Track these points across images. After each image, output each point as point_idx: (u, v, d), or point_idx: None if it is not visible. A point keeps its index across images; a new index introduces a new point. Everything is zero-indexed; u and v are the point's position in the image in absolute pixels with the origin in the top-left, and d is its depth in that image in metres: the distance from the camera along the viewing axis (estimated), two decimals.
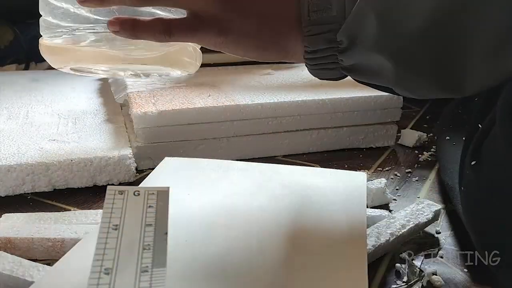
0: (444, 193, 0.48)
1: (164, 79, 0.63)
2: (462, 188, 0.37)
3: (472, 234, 0.35)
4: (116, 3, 0.38)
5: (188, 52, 0.44)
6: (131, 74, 0.50)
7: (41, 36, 0.51)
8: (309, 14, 0.36)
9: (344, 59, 0.37)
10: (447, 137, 0.55)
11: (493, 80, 0.31)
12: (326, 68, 0.39)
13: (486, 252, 0.34)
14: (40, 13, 0.47)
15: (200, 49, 0.46)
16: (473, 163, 0.35)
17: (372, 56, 0.35)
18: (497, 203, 0.32)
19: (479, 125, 0.36)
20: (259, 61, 0.41)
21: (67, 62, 0.46)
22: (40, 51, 0.48)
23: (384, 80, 0.36)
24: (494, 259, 0.33)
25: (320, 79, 0.41)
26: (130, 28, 0.38)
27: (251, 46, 0.39)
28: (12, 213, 0.40)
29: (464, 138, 0.42)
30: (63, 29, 0.46)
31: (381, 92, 0.58)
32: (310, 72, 0.40)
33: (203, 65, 0.73)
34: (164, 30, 0.38)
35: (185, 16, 0.39)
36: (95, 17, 0.42)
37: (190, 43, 0.44)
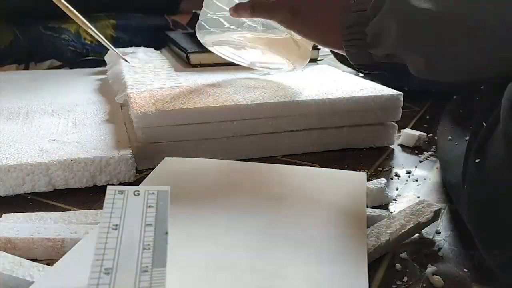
0: (444, 193, 0.48)
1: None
2: (465, 186, 0.37)
3: (474, 232, 0.35)
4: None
5: (293, 46, 0.59)
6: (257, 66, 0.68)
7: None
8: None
9: (368, 32, 0.44)
10: (449, 137, 0.55)
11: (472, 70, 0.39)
12: (357, 45, 0.46)
13: (488, 250, 0.34)
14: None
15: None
16: (477, 161, 0.35)
17: (386, 22, 0.42)
18: (500, 201, 0.32)
19: (484, 123, 0.36)
20: (317, 44, 0.53)
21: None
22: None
23: (395, 48, 0.43)
24: (496, 257, 0.33)
25: (356, 66, 0.49)
26: (236, 10, 0.54)
27: (314, 29, 0.50)
28: (12, 213, 0.40)
29: (467, 138, 0.42)
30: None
31: (381, 92, 0.59)
32: (347, 55, 0.48)
33: (203, 65, 0.73)
34: (251, 7, 0.52)
35: None
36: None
37: (297, 39, 0.58)
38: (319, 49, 0.81)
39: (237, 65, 0.74)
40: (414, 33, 0.40)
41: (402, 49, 0.42)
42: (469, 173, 0.36)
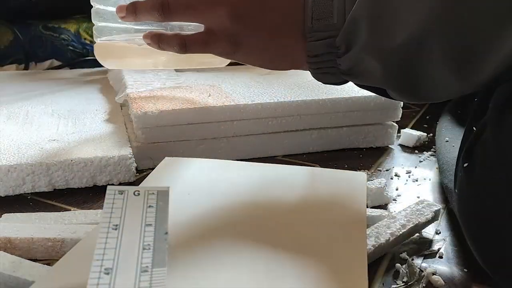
0: (444, 193, 0.48)
1: (166, 79, 0.63)
2: (456, 190, 0.37)
3: (467, 236, 0.35)
4: (146, 19, 0.45)
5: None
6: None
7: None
8: (312, 22, 0.40)
9: (342, 63, 0.40)
10: (446, 139, 0.55)
11: (457, 92, 0.36)
12: (327, 72, 0.41)
13: (481, 254, 0.34)
14: (93, 21, 0.56)
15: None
16: (465, 165, 0.35)
17: (365, 58, 0.37)
18: (488, 205, 0.33)
19: (474, 128, 0.36)
20: (276, 69, 0.45)
21: (117, 64, 0.59)
22: (94, 52, 0.59)
23: (376, 81, 0.39)
24: (489, 260, 0.33)
25: (324, 83, 0.44)
26: (156, 41, 0.45)
27: (261, 58, 0.44)
28: (12, 213, 0.40)
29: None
30: (113, 34, 0.56)
31: None
32: (314, 77, 0.43)
33: None
34: (180, 45, 0.43)
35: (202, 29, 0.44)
36: (135, 27, 0.53)
37: None
38: None
39: (237, 65, 0.74)
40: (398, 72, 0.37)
41: (387, 85, 0.39)
42: (459, 177, 0.36)
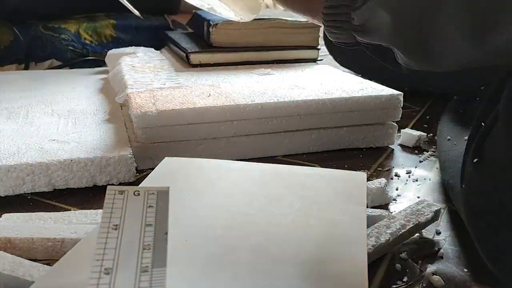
0: (444, 193, 0.48)
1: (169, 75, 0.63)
2: (463, 186, 0.37)
3: (472, 232, 0.35)
4: None
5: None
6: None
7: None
8: None
9: (356, 17, 0.39)
10: (448, 137, 0.55)
11: (469, 60, 0.34)
12: (340, 26, 0.41)
13: (486, 251, 0.34)
14: None
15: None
16: (475, 160, 0.35)
17: (378, 12, 0.37)
18: (497, 201, 0.32)
19: (482, 124, 0.36)
20: (289, 9, 0.46)
21: None
22: None
23: (386, 38, 0.39)
24: (494, 258, 0.33)
25: (334, 41, 0.44)
26: None
27: (294, 2, 0.45)
28: (12, 213, 0.40)
29: (466, 138, 0.42)
30: None
31: (381, 92, 0.59)
32: (326, 32, 0.43)
33: (203, 65, 0.73)
34: None
35: None
36: None
37: None
38: (318, 49, 0.80)
39: (237, 65, 0.74)
40: (410, 29, 0.36)
41: (396, 43, 0.39)
42: (467, 173, 0.36)
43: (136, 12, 0.78)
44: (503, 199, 0.32)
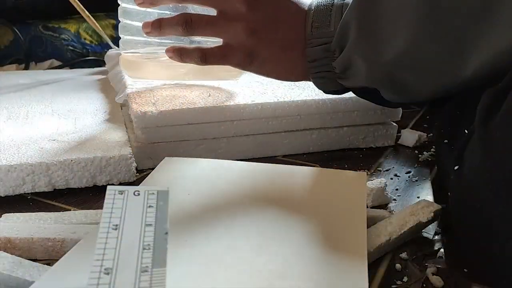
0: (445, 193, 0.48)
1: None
2: (449, 193, 0.37)
3: (461, 238, 0.36)
4: (169, 34, 0.49)
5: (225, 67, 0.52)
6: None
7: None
8: (312, 30, 0.44)
9: (336, 66, 0.43)
10: (445, 141, 0.55)
11: (442, 88, 0.40)
12: (325, 77, 0.46)
13: (474, 257, 0.34)
14: (120, 34, 0.59)
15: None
16: (456, 168, 0.35)
17: (353, 59, 0.41)
18: (476, 207, 0.33)
19: (466, 131, 0.36)
20: (277, 79, 0.51)
21: (140, 75, 0.61)
22: (120, 63, 0.64)
23: (364, 80, 0.43)
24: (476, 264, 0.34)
25: (325, 92, 0.49)
26: (179, 54, 0.49)
27: (273, 70, 0.48)
28: (12, 213, 0.39)
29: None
30: (138, 47, 0.59)
31: None
32: (315, 85, 0.48)
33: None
34: (201, 57, 0.48)
35: (220, 43, 0.48)
36: (158, 41, 0.57)
37: None
38: None
39: None
40: (383, 73, 0.41)
41: (373, 84, 0.43)
42: (451, 180, 0.36)
43: (109, 42, 0.80)
44: (480, 205, 0.32)
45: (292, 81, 0.50)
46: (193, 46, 0.50)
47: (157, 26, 0.48)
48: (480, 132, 0.32)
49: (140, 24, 0.51)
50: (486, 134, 0.32)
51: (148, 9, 0.54)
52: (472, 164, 0.34)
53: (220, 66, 0.50)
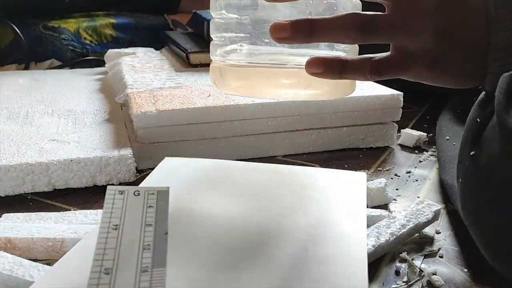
0: (444, 193, 0.48)
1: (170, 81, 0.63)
2: (460, 180, 0.36)
3: (470, 226, 0.35)
4: (329, 41, 0.37)
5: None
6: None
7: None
8: (496, 11, 0.35)
9: None
10: (447, 137, 0.55)
11: None
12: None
13: (485, 245, 0.34)
14: (212, 35, 0.41)
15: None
16: (472, 153, 0.35)
17: None
18: (495, 193, 0.32)
19: (478, 119, 0.36)
20: (456, 88, 0.40)
21: (238, 84, 0.42)
22: (211, 74, 0.42)
23: None
24: (493, 250, 0.33)
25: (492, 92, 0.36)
26: (340, 69, 0.36)
27: (452, 75, 0.38)
28: (12, 213, 0.40)
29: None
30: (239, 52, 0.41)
31: (381, 92, 0.59)
32: (489, 84, 0.37)
33: (203, 65, 0.73)
34: (374, 70, 0.37)
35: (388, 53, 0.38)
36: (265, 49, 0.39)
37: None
38: None
39: None
40: None
41: None
42: (464, 166, 0.36)
43: None
44: (501, 190, 0.32)
45: (464, 87, 0.40)
46: (359, 57, 0.38)
47: (308, 30, 0.35)
48: (501, 115, 0.32)
49: (245, 21, 0.38)
50: (509, 116, 0.31)
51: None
52: (492, 148, 0.33)
53: (333, 81, 0.38)
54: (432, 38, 0.36)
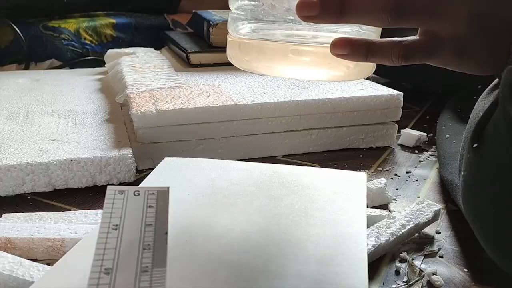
0: (444, 193, 0.48)
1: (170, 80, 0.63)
2: (463, 172, 0.36)
3: (471, 220, 0.35)
4: (359, 22, 0.35)
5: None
6: None
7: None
8: None
9: None
10: (447, 136, 0.55)
11: None
12: None
13: (487, 239, 0.34)
14: (231, 5, 0.40)
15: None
16: (475, 145, 0.34)
17: None
18: (498, 185, 0.32)
19: (480, 113, 0.36)
20: (478, 74, 0.38)
21: (259, 62, 0.40)
22: (228, 47, 0.40)
23: None
24: (494, 243, 0.33)
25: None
26: (366, 51, 0.35)
27: (478, 63, 0.37)
28: (12, 213, 0.40)
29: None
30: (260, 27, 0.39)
31: (381, 92, 0.59)
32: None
33: (203, 65, 0.73)
34: (403, 54, 0.35)
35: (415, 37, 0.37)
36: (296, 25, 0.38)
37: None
38: None
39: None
40: None
41: None
42: (466, 159, 0.36)
43: None
44: (504, 182, 0.32)
45: (487, 74, 0.38)
46: (385, 39, 0.36)
47: (338, 8, 0.33)
48: (505, 107, 0.32)
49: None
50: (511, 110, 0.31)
51: None
52: (495, 140, 0.33)
53: (355, 62, 0.37)
54: (464, 25, 0.35)
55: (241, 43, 0.39)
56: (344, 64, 0.37)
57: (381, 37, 0.38)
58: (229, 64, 0.66)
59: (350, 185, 0.41)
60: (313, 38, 0.38)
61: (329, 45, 0.35)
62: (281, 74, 0.41)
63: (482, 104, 0.37)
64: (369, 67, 0.39)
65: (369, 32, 0.38)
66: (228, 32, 0.40)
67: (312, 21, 0.35)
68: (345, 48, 0.35)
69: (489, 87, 0.39)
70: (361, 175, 0.43)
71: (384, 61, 0.36)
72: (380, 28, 0.38)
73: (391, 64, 0.36)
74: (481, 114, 0.35)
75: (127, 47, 0.83)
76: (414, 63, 0.37)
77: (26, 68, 0.88)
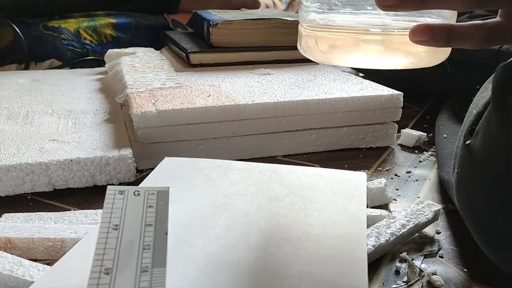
0: (444, 193, 0.48)
1: (174, 80, 0.63)
2: (456, 169, 0.37)
3: (465, 215, 0.35)
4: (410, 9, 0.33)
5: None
6: None
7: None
8: None
9: None
10: (444, 135, 0.55)
11: None
12: None
13: (481, 235, 0.34)
14: None
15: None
16: (467, 142, 0.35)
17: None
18: (490, 181, 0.32)
19: (473, 111, 0.36)
20: (487, 8, 0.36)
21: (336, 53, 0.39)
22: (302, 39, 0.40)
23: None
24: (488, 239, 0.33)
25: None
26: (447, 36, 0.33)
27: None
28: (12, 213, 0.40)
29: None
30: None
31: (381, 92, 0.59)
32: None
33: (203, 65, 0.73)
34: (486, 37, 0.34)
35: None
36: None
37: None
38: None
39: (237, 65, 0.74)
40: None
41: None
42: (460, 156, 0.36)
43: None
44: (495, 178, 0.32)
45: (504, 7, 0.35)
46: (467, 23, 0.35)
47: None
48: (497, 104, 0.32)
49: None
50: (504, 106, 0.31)
51: None
52: (488, 137, 0.33)
53: (432, 48, 0.36)
54: None
55: (316, 35, 0.39)
56: (424, 50, 0.36)
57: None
58: (229, 64, 0.66)
59: (350, 185, 0.41)
60: (386, 26, 0.37)
61: (404, 32, 0.34)
62: (356, 64, 0.41)
63: (476, 101, 0.38)
64: (446, 51, 0.38)
65: (445, 18, 0.36)
66: (301, 24, 0.39)
67: (391, 10, 0.33)
68: (425, 34, 0.33)
69: (483, 84, 0.39)
70: (361, 175, 0.43)
71: (466, 45, 0.34)
72: (456, 13, 0.36)
73: (473, 48, 0.34)
74: (474, 111, 0.35)
75: (127, 47, 0.83)
76: (497, 45, 0.35)
77: (26, 68, 0.88)
